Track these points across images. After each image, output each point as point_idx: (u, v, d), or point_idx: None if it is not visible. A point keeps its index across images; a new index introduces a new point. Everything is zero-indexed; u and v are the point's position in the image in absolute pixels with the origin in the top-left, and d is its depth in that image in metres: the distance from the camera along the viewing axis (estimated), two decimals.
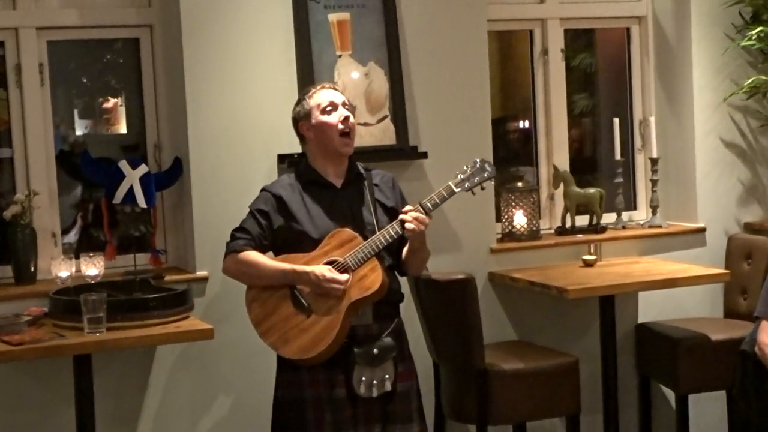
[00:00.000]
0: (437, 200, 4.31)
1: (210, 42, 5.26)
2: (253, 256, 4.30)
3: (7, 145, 5.36)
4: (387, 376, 4.31)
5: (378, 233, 4.25)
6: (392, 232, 4.25)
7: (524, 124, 6.70)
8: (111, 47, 5.93)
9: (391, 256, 4.38)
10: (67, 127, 5.78)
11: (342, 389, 4.27)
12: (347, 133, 4.36)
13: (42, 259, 5.17)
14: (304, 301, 4.23)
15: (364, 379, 4.26)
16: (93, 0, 5.45)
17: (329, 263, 4.23)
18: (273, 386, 4.47)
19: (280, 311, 4.27)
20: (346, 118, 4.34)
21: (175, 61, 5.32)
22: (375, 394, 4.29)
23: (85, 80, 6.05)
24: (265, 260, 4.30)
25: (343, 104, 4.39)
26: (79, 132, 5.88)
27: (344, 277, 4.18)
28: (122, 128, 5.95)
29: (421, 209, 4.28)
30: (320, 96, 4.39)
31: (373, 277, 4.22)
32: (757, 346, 4.55)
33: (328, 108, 4.35)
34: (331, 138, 4.33)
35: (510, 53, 6.83)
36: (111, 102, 5.99)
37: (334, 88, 4.47)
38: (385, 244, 4.25)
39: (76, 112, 5.91)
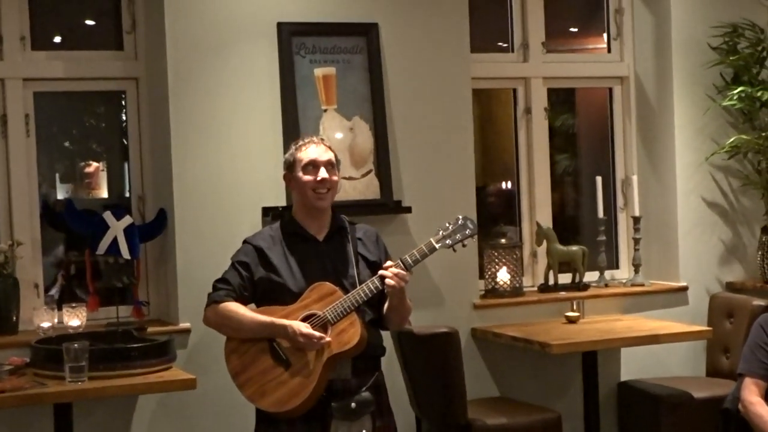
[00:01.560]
0: (418, 256, 4.29)
1: (196, 95, 5.30)
2: (233, 307, 4.28)
3: None
4: (364, 431, 4.27)
5: (358, 288, 4.22)
6: (372, 287, 4.22)
7: (506, 185, 6.73)
8: (94, 111, 5.97)
9: (372, 310, 4.35)
10: (48, 186, 5.77)
11: None
12: (321, 192, 4.35)
13: (24, 310, 5.15)
14: (282, 354, 4.21)
15: None
16: (80, 52, 5.50)
17: (309, 317, 4.21)
18: None
19: (258, 364, 4.24)
20: (323, 180, 4.32)
21: (160, 114, 5.34)
22: None
23: (67, 144, 6.07)
24: (245, 312, 4.28)
25: (328, 163, 4.36)
26: (60, 196, 5.86)
27: (319, 334, 4.16)
28: (103, 193, 5.94)
29: (402, 265, 4.26)
30: (305, 152, 4.37)
31: (352, 332, 4.18)
32: (740, 403, 4.54)
33: (309, 167, 4.35)
34: (305, 194, 4.34)
35: (490, 117, 6.87)
36: (92, 166, 5.98)
37: (323, 144, 4.45)
38: (365, 298, 4.22)
39: (57, 176, 5.90)
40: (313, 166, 4.33)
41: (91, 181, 5.99)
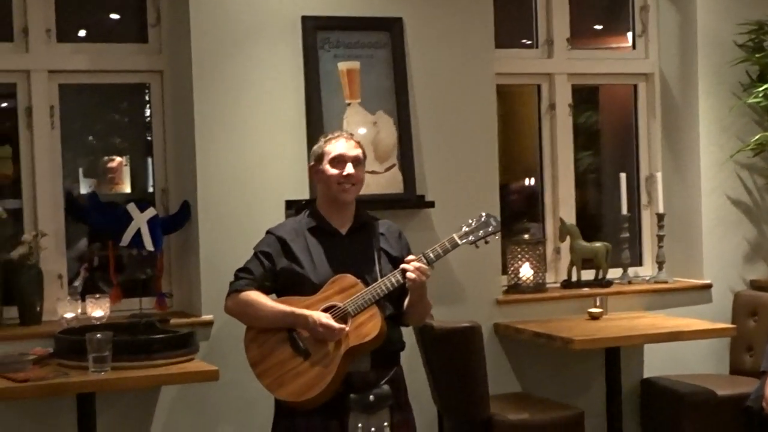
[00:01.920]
0: (440, 251, 4.29)
1: (220, 88, 5.30)
2: (254, 296, 4.29)
3: (12, 196, 5.40)
4: (386, 423, 4.27)
5: (379, 281, 4.23)
6: (393, 281, 4.22)
7: (530, 181, 6.72)
8: (117, 106, 5.99)
9: (392, 305, 4.34)
10: (72, 181, 5.78)
11: None
12: (346, 186, 4.35)
13: (48, 301, 5.16)
14: (301, 345, 4.21)
15: (360, 425, 4.21)
16: (104, 45, 5.52)
17: (329, 308, 4.21)
18: None
19: (277, 353, 4.24)
20: (349, 176, 4.33)
21: (184, 106, 5.35)
22: None
23: (90, 138, 6.09)
24: (266, 301, 4.29)
25: (355, 159, 4.36)
26: (83, 191, 5.88)
27: (339, 325, 4.16)
28: (126, 188, 5.96)
29: (424, 259, 4.26)
30: (333, 146, 4.38)
31: (371, 325, 4.18)
32: (763, 401, 4.53)
33: (336, 161, 4.36)
34: (330, 187, 4.34)
35: (512, 116, 6.84)
36: (116, 161, 6.00)
37: (352, 139, 4.45)
38: (386, 291, 4.22)
39: (81, 171, 5.92)
40: (340, 160, 4.34)
41: (114, 176, 6.00)
